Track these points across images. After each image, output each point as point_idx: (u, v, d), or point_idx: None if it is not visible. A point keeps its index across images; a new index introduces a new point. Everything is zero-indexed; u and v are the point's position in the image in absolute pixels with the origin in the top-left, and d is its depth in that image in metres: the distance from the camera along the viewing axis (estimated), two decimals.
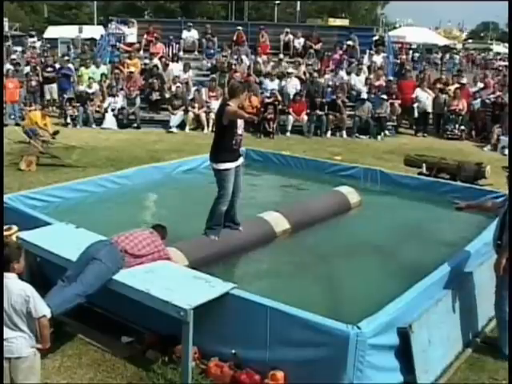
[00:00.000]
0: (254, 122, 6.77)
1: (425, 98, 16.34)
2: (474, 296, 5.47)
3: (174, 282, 4.76)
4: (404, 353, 4.44)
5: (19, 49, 34.23)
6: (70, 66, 18.75)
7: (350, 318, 4.32)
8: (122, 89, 16.43)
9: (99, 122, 15.85)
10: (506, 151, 13.84)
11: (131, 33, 19.30)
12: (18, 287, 3.70)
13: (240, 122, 6.07)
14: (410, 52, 37.86)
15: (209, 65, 18.53)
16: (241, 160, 6.25)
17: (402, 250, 6.80)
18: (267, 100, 15.71)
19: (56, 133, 12.02)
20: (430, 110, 16.36)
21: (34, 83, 17.46)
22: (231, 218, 6.47)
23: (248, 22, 30.00)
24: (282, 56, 18.39)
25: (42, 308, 3.74)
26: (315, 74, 16.86)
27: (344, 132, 15.73)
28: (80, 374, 4.63)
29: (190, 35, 19.33)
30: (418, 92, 16.51)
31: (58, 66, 18.35)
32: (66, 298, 4.62)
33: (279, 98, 16.01)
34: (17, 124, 15.05)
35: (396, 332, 4.43)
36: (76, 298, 4.66)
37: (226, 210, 6.29)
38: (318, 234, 7.25)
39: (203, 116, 15.68)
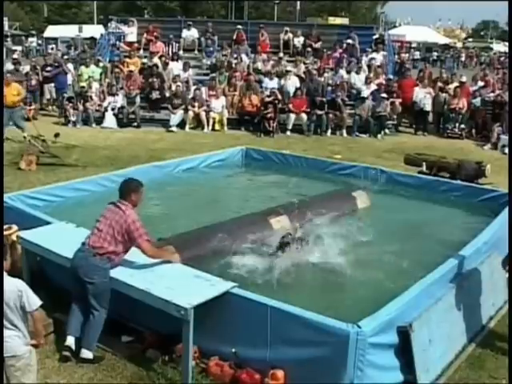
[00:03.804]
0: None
1: (423, 96, 16.32)
2: (475, 295, 5.46)
3: (175, 281, 4.75)
4: (404, 352, 4.43)
5: (19, 48, 34.23)
6: (70, 65, 18.72)
7: (350, 316, 4.32)
8: (121, 88, 16.43)
9: (99, 121, 15.83)
10: (507, 150, 13.83)
11: (131, 32, 19.30)
12: (8, 283, 3.67)
13: None
14: (411, 50, 37.86)
15: (209, 63, 18.54)
16: None
17: (402, 248, 6.77)
18: (267, 99, 15.69)
19: (57, 135, 12.02)
20: (428, 108, 16.31)
21: (33, 82, 17.44)
22: None
23: (248, 20, 30.07)
24: (281, 55, 18.39)
25: (34, 301, 3.69)
26: (314, 73, 16.85)
27: (344, 131, 15.72)
28: (80, 373, 4.62)
29: (190, 34, 19.32)
30: (418, 90, 16.49)
31: (55, 65, 18.28)
32: (92, 336, 4.75)
33: (279, 96, 15.98)
34: None
35: (396, 331, 4.43)
36: (99, 327, 4.77)
37: None
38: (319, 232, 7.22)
39: (203, 115, 15.66)
